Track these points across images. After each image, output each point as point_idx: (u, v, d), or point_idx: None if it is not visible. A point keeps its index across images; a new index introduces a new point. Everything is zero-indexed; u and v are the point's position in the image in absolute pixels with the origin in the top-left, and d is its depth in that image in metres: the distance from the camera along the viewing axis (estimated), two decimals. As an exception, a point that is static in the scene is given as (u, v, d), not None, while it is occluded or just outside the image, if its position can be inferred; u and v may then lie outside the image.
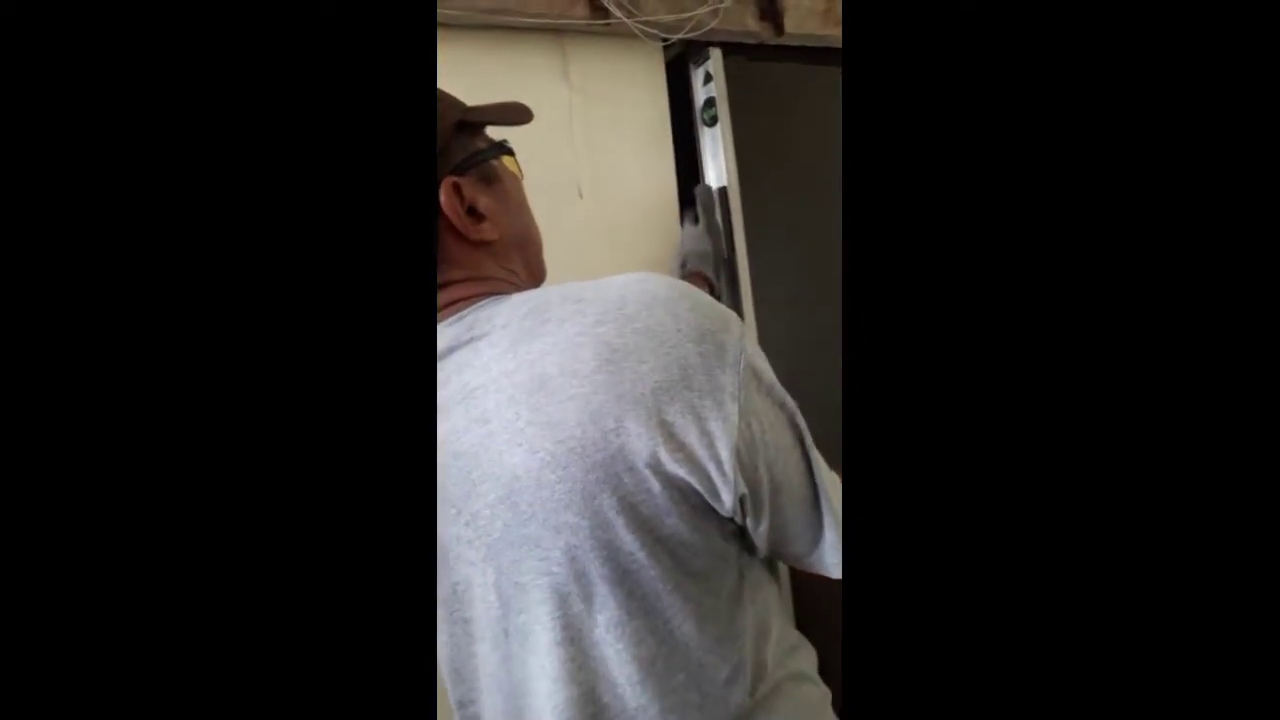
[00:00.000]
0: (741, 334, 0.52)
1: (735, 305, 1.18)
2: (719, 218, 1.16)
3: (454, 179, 0.58)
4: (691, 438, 0.48)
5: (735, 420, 0.49)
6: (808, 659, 0.62)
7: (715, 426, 0.48)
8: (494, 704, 0.57)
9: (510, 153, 0.66)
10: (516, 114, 0.66)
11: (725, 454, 0.49)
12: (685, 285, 0.53)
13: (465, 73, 0.98)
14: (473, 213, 0.59)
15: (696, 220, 1.14)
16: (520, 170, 0.68)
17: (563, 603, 0.51)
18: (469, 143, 0.62)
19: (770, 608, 0.59)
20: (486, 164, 0.63)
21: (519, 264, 0.64)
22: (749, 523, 0.53)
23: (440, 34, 0.95)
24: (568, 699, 0.53)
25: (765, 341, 1.17)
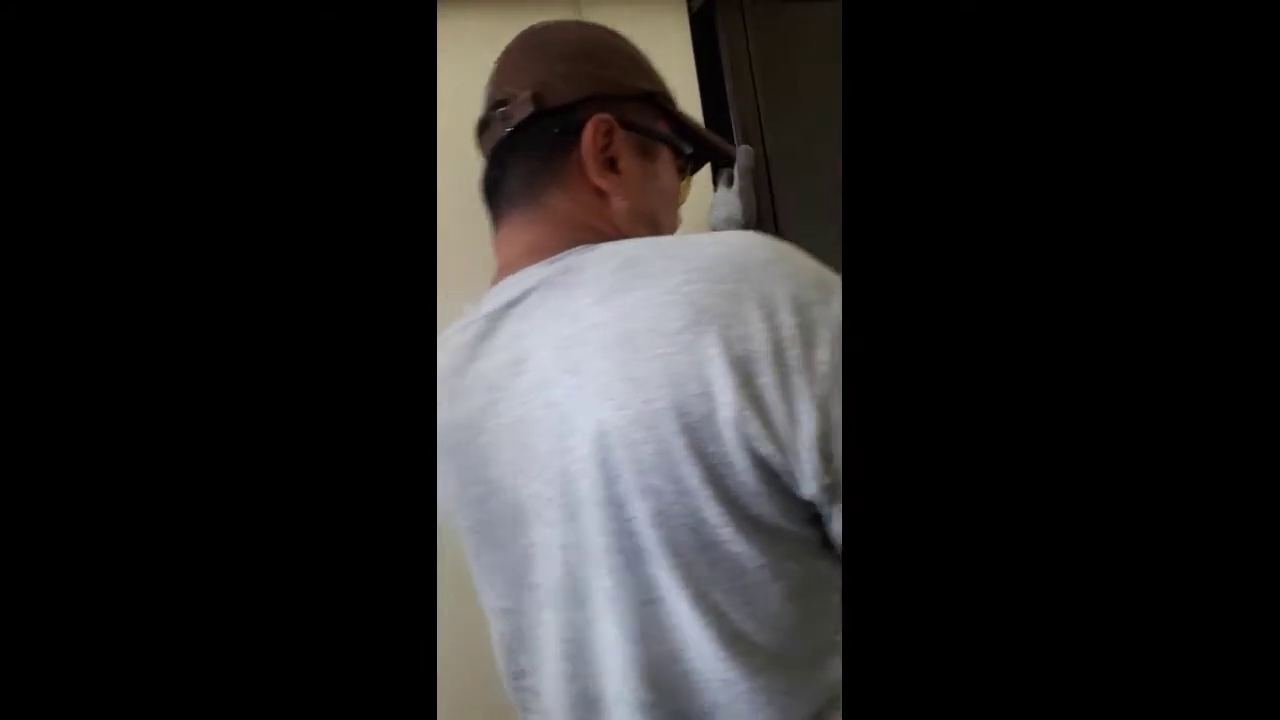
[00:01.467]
0: (839, 307, 0.47)
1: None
2: (750, 181, 1.11)
3: (606, 118, 0.58)
4: (779, 415, 0.45)
5: (826, 403, 0.46)
6: None
7: (803, 406, 0.45)
8: (557, 670, 0.56)
9: (685, 168, 0.68)
10: (722, 151, 0.73)
11: (810, 437, 0.45)
12: (787, 248, 0.49)
13: (479, 46, 0.95)
14: (611, 164, 0.59)
15: (730, 182, 1.10)
16: (684, 192, 0.69)
17: (646, 567, 0.49)
18: (650, 114, 0.63)
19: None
20: (652, 141, 0.63)
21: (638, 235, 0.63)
22: (830, 512, 0.49)
23: (451, 7, 0.93)
24: (639, 661, 0.51)
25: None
